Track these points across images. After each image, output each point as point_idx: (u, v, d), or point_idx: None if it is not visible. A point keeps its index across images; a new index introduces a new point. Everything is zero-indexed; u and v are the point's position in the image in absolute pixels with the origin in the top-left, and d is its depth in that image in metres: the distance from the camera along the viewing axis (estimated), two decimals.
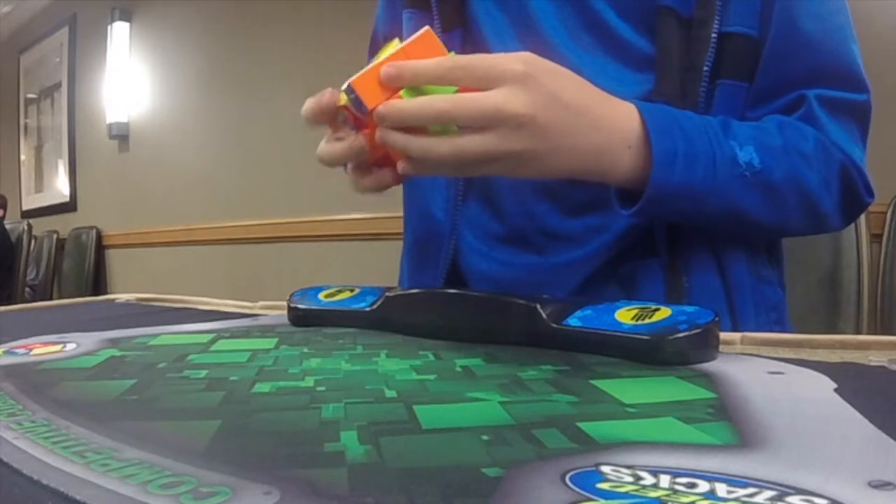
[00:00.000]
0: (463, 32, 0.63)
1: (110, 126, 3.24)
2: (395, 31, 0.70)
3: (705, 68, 0.54)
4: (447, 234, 0.64)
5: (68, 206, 3.69)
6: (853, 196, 0.56)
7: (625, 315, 0.40)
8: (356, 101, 0.43)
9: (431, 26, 0.63)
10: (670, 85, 0.54)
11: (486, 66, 0.41)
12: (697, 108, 0.54)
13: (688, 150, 0.48)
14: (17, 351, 0.42)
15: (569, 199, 0.59)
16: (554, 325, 0.41)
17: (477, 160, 0.42)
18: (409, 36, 0.45)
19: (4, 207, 3.33)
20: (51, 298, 3.10)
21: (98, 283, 3.33)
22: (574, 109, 0.44)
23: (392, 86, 0.42)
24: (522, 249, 0.61)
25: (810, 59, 0.55)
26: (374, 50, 0.78)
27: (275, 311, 0.65)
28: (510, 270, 0.61)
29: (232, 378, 0.34)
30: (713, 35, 0.54)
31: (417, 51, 0.43)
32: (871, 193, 0.57)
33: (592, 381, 0.32)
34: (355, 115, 0.45)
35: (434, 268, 0.65)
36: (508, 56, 0.42)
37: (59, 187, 3.79)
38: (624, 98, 0.48)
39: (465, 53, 0.44)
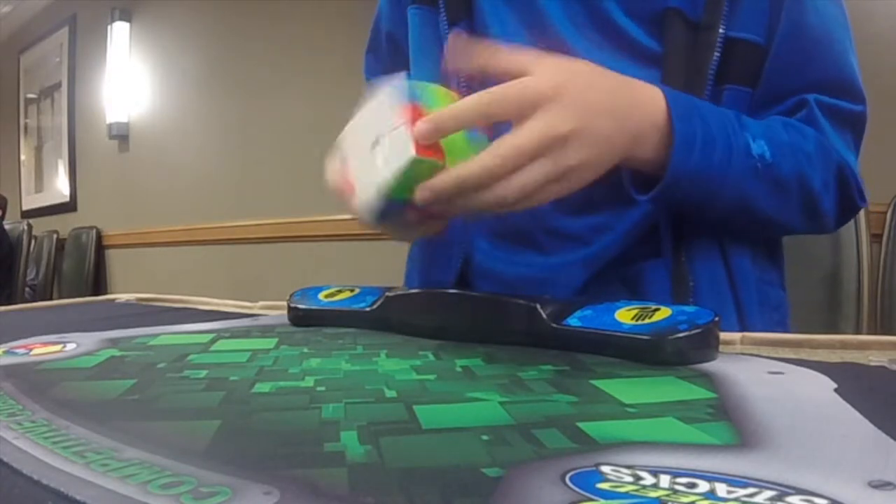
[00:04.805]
0: (469, 25, 0.63)
1: (110, 126, 3.24)
2: (399, 31, 0.69)
3: (710, 71, 0.55)
4: (460, 230, 0.64)
5: (68, 206, 3.69)
6: (848, 198, 0.57)
7: (625, 315, 0.40)
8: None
9: (437, 19, 0.63)
10: (676, 85, 0.55)
11: (518, 94, 0.41)
12: None
13: (706, 137, 0.49)
14: (17, 351, 0.42)
15: (572, 198, 0.59)
16: (554, 325, 0.41)
17: (540, 188, 0.42)
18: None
19: (4, 207, 3.33)
20: (51, 298, 3.10)
21: (98, 283, 3.33)
22: (609, 106, 0.45)
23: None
24: (526, 248, 0.61)
25: (813, 71, 0.56)
26: (376, 45, 0.77)
27: (275, 311, 0.65)
28: (514, 269, 0.61)
29: (232, 378, 0.34)
30: (719, 39, 0.54)
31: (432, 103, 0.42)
32: (863, 198, 0.58)
33: (592, 381, 0.32)
34: None
35: (446, 265, 0.65)
36: (533, 77, 0.42)
37: (59, 187, 3.78)
38: None
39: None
